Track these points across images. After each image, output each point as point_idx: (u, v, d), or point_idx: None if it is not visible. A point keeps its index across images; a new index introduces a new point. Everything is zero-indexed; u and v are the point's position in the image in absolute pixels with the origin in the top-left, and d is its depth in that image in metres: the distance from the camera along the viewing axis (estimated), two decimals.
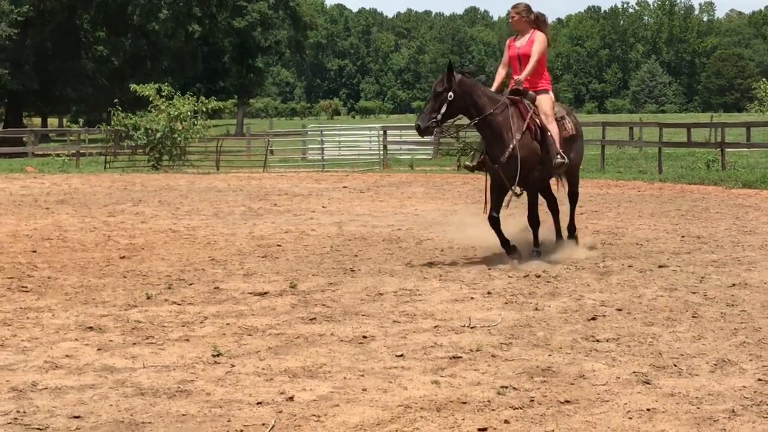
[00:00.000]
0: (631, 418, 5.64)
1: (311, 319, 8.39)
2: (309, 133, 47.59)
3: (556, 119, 11.60)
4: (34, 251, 12.64)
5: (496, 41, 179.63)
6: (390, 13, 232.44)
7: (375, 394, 6.12)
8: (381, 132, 39.29)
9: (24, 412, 5.77)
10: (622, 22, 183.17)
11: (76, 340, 7.68)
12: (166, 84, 37.67)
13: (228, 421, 5.64)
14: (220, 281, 10.34)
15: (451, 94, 11.20)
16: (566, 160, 11.48)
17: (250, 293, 9.61)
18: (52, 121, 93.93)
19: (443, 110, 11.22)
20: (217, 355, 7.11)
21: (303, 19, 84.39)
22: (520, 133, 11.22)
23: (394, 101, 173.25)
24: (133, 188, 24.36)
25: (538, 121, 11.41)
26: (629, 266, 11.04)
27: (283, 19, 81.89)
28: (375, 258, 11.98)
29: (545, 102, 11.57)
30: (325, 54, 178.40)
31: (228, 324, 8.23)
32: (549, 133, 11.39)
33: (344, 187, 24.52)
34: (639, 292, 9.48)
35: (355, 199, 20.69)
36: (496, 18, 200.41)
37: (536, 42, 11.56)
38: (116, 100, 38.16)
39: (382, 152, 37.57)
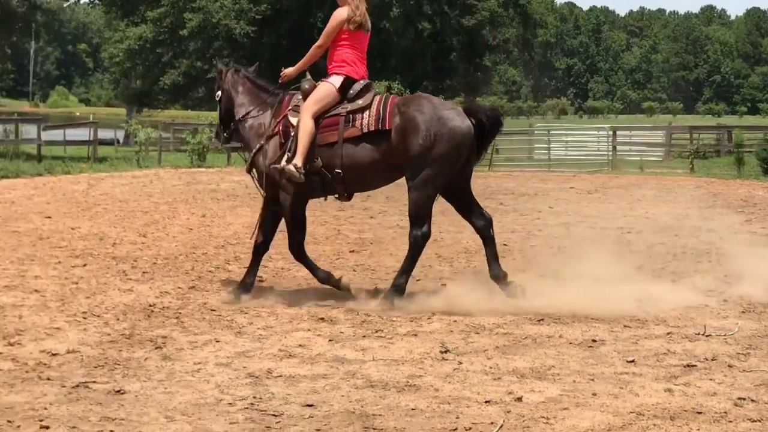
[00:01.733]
0: None
1: (539, 320, 8.32)
2: (536, 132, 47.22)
3: (341, 113, 9.02)
4: None
5: (733, 41, 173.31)
6: (622, 12, 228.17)
7: (605, 399, 6.01)
8: (610, 132, 38.62)
9: (260, 398, 5.97)
10: None
11: (309, 330, 7.88)
12: (395, 82, 38.13)
13: (456, 418, 5.65)
14: (447, 278, 10.39)
15: (218, 93, 9.61)
16: (279, 167, 8.85)
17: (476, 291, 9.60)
18: None
19: (218, 113, 9.71)
20: (445, 352, 7.16)
21: (533, 17, 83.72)
22: (265, 138, 9.15)
23: (623, 101, 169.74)
24: None
25: (294, 119, 9.07)
26: None
27: (513, 17, 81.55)
28: (604, 260, 11.75)
29: (313, 93, 9.05)
30: (553, 53, 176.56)
31: (455, 321, 8.26)
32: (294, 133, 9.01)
33: (571, 187, 24.23)
34: None
35: (582, 200, 20.39)
36: (733, 17, 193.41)
37: (328, 24, 9.51)
38: None
39: (610, 153, 36.89)
